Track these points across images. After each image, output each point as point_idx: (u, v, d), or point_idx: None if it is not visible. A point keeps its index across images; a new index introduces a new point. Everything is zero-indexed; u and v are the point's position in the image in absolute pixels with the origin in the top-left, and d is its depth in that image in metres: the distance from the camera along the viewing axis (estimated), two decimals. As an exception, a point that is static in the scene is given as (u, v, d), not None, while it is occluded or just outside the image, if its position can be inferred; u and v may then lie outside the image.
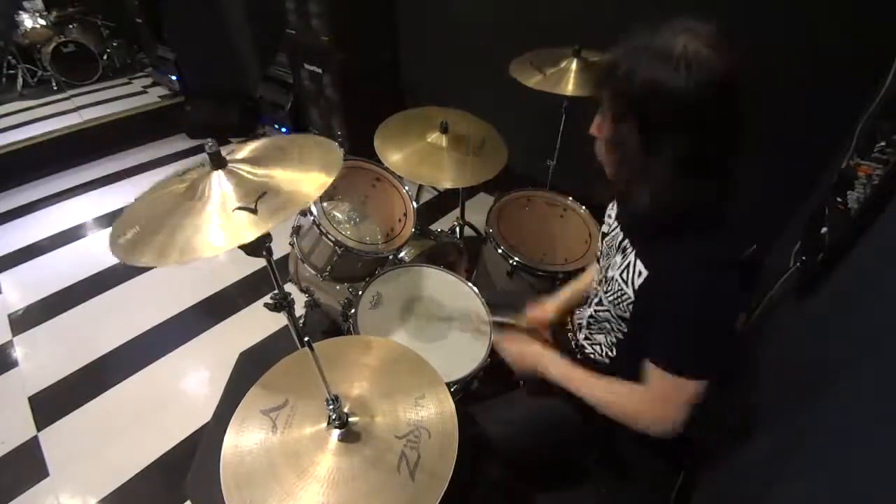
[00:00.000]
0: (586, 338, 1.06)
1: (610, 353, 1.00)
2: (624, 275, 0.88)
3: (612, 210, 1.02)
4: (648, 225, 0.84)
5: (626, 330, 0.94)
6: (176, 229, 0.72)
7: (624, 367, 0.96)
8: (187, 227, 0.72)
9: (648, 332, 0.84)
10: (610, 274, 0.93)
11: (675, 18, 0.70)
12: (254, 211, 0.74)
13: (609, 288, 0.93)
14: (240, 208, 0.74)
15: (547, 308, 1.20)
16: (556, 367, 0.96)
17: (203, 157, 0.84)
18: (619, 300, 0.90)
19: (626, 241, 0.91)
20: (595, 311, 1.01)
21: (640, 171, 0.76)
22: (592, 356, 1.03)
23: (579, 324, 1.09)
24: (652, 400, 0.82)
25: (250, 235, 0.72)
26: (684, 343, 0.79)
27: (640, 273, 0.85)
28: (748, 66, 0.67)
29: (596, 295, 1.02)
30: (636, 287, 0.85)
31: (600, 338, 1.02)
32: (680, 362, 0.79)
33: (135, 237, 0.74)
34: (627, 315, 0.90)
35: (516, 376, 1.07)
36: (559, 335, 1.17)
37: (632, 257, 0.87)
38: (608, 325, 0.98)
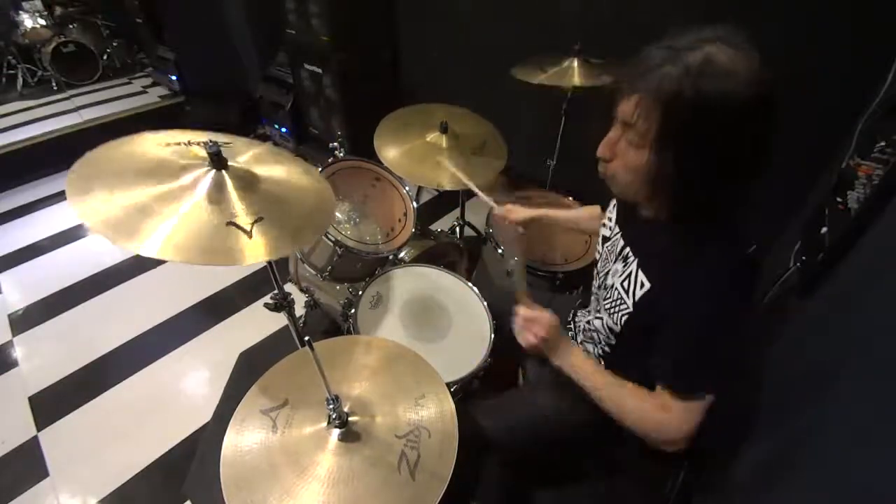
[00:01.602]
0: (581, 342, 1.05)
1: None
2: (625, 284, 0.85)
3: (612, 213, 0.99)
4: (654, 236, 0.82)
5: (613, 343, 0.92)
6: (154, 213, 0.70)
7: None
8: (168, 216, 0.71)
9: (644, 347, 0.82)
10: (609, 281, 0.91)
11: (701, 29, 0.67)
12: (248, 234, 0.73)
13: (608, 295, 0.90)
14: (233, 224, 0.73)
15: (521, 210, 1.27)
16: (578, 358, 0.90)
17: (194, 135, 0.83)
18: (616, 309, 0.87)
19: (628, 248, 0.88)
20: (595, 317, 0.98)
21: (668, 189, 0.73)
22: None
23: (577, 326, 1.08)
24: (662, 414, 0.80)
25: (238, 257, 0.70)
26: (693, 366, 0.77)
27: (641, 284, 0.82)
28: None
29: (596, 301, 1.00)
30: (636, 298, 0.83)
31: (589, 347, 1.01)
32: (691, 384, 0.77)
33: (103, 199, 0.71)
34: (618, 328, 0.88)
35: (523, 348, 0.96)
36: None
37: (633, 267, 0.85)
38: (596, 336, 0.97)
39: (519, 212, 1.28)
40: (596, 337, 0.97)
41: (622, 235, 0.92)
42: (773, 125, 0.67)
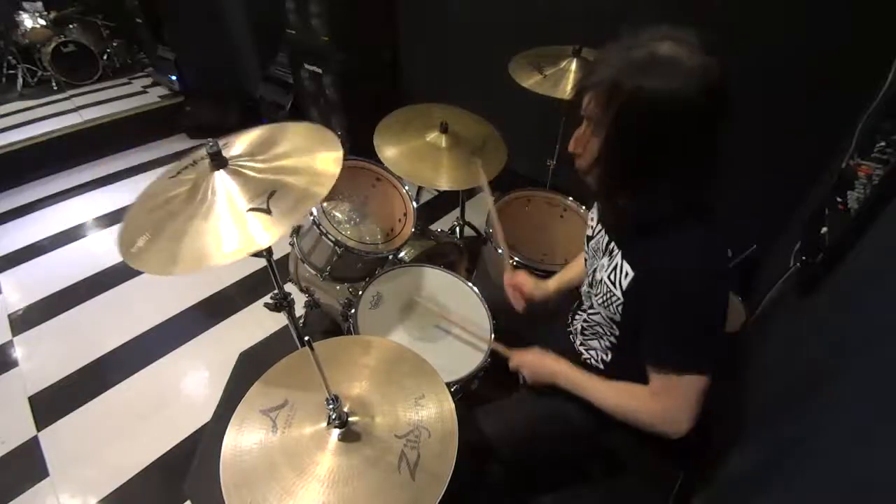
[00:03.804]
0: (581, 343, 1.06)
1: (605, 358, 1.00)
2: (612, 276, 0.89)
3: (594, 213, 1.02)
4: (633, 226, 0.85)
5: (617, 333, 0.94)
6: (187, 235, 0.72)
7: (620, 370, 0.96)
8: (199, 232, 0.73)
9: (639, 334, 0.85)
10: (598, 276, 0.94)
11: (654, 27, 0.70)
12: (267, 211, 0.73)
13: (598, 290, 0.93)
14: (253, 209, 0.73)
15: (530, 284, 1.23)
16: (567, 379, 0.97)
17: (193, 154, 0.84)
18: (609, 302, 0.90)
19: (612, 243, 0.92)
20: (588, 315, 1.01)
21: (633, 182, 0.77)
22: (589, 361, 1.03)
23: (575, 328, 1.09)
24: (657, 402, 0.83)
25: (269, 238, 0.71)
26: (678, 342, 0.80)
27: (626, 274, 0.85)
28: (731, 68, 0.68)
29: (588, 299, 1.01)
30: (624, 288, 0.86)
31: (594, 343, 1.02)
32: (676, 361, 0.80)
33: (147, 245, 0.74)
34: (618, 317, 0.91)
35: (529, 384, 1.07)
36: (561, 336, 1.17)
37: (618, 259, 0.88)
38: (600, 329, 0.98)
39: (530, 286, 1.22)
40: (600, 330, 0.99)
41: (605, 231, 0.95)
42: (719, 115, 0.70)
